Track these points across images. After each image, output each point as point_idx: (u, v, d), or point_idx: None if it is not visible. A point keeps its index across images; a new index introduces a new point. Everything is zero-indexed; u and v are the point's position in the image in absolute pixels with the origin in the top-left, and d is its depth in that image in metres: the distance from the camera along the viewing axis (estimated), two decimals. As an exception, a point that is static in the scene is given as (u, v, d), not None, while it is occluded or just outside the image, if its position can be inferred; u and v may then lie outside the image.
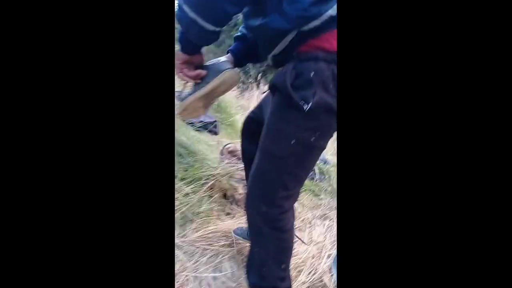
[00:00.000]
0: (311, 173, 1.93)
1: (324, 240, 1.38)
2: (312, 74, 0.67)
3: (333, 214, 1.67)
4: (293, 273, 1.14)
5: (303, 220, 1.57)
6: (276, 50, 0.73)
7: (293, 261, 1.20)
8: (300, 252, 1.24)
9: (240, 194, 1.52)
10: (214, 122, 1.78)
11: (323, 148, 0.77)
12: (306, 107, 0.67)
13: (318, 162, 2.05)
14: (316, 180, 1.90)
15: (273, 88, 0.74)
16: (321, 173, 1.95)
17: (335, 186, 1.91)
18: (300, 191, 0.83)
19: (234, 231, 1.21)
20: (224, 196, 1.43)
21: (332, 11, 0.67)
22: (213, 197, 1.36)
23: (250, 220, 0.83)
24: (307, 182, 1.84)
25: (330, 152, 2.36)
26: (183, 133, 1.66)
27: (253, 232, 0.82)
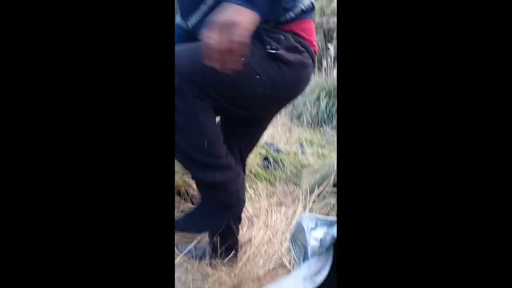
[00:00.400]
0: (265, 162, 1.96)
1: (280, 225, 1.43)
2: (282, 38, 0.77)
3: (288, 200, 1.73)
4: (250, 258, 1.17)
5: (259, 208, 1.60)
6: None
7: (251, 248, 1.23)
8: (256, 238, 1.27)
9: (194, 189, 1.51)
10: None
11: (254, 91, 0.78)
12: (269, 48, 0.75)
13: (272, 151, 2.09)
14: (271, 170, 1.94)
15: None
16: (275, 161, 1.99)
17: (289, 173, 1.97)
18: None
19: (178, 249, 1.14)
20: (178, 193, 1.42)
21: (303, 5, 0.79)
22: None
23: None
24: (261, 171, 1.88)
25: (283, 141, 2.43)
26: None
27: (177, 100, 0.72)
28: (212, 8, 0.78)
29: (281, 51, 0.76)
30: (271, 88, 0.78)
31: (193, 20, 0.82)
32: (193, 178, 0.84)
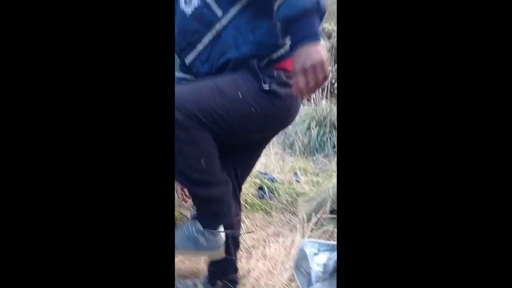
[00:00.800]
0: (260, 192, 1.95)
1: (279, 255, 1.39)
2: (274, 74, 0.81)
3: (286, 230, 1.70)
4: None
5: (257, 239, 1.57)
6: None
7: (249, 280, 1.19)
8: (255, 270, 1.24)
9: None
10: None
11: (252, 126, 0.84)
12: (265, 86, 0.79)
13: (266, 180, 2.09)
14: (266, 199, 1.93)
15: (239, 64, 0.82)
16: (270, 191, 1.98)
17: (284, 202, 1.95)
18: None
19: (177, 286, 1.13)
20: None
21: (289, 41, 0.82)
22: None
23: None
24: (257, 201, 1.86)
25: (276, 170, 2.43)
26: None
27: (179, 132, 0.76)
28: (208, 46, 0.83)
29: (274, 86, 0.81)
30: (264, 119, 0.84)
31: (190, 58, 0.87)
32: (189, 192, 0.89)
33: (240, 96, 0.78)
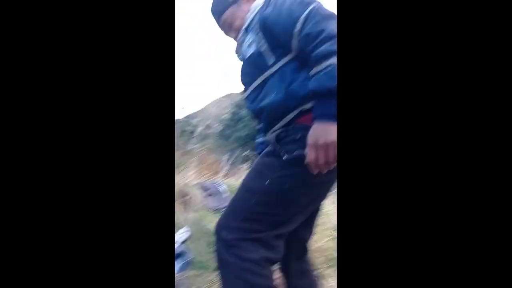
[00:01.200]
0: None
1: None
2: (298, 136, 0.82)
3: None
4: None
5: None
6: (277, 126, 0.88)
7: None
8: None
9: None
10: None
11: (294, 198, 0.84)
12: (285, 157, 0.81)
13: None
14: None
15: (272, 112, 0.88)
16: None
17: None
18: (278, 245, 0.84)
19: None
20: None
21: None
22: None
23: (216, 249, 0.84)
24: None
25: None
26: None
27: (219, 262, 0.84)
28: (257, 88, 0.91)
29: (296, 152, 0.81)
30: (305, 186, 0.83)
31: (245, 94, 0.97)
32: None
33: (266, 183, 0.81)
